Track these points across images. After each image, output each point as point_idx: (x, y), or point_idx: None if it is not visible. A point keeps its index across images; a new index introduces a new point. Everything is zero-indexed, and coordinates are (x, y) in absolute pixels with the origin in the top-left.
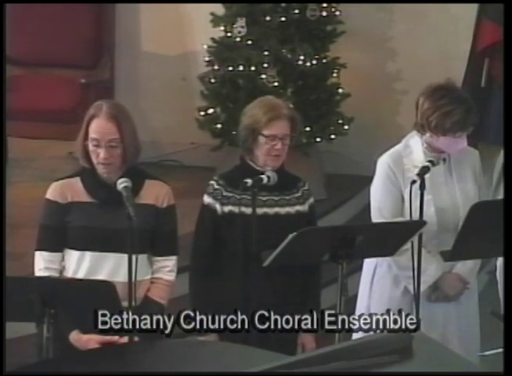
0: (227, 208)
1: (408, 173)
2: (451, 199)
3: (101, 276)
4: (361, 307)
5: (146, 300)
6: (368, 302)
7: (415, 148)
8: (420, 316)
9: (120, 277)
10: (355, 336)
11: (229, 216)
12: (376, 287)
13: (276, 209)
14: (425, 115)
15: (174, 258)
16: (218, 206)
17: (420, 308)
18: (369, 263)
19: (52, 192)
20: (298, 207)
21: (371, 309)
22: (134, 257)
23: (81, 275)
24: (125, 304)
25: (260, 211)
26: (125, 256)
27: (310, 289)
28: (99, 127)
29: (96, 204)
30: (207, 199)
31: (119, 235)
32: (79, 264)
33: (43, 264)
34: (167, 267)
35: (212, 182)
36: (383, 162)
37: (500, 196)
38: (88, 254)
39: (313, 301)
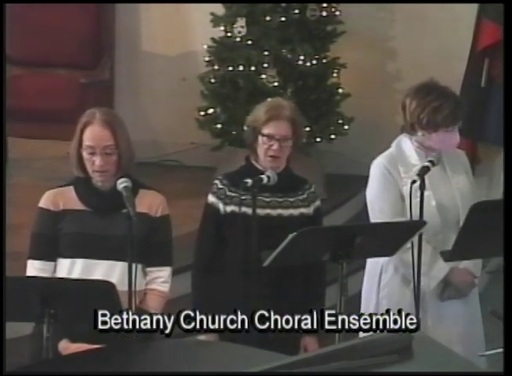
0: (229, 208)
1: (403, 173)
2: (449, 194)
3: None
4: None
5: (139, 311)
6: (376, 310)
7: (407, 149)
8: (429, 316)
9: None
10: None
11: (232, 216)
12: (384, 293)
13: (279, 211)
14: (415, 114)
15: (168, 268)
16: (221, 205)
17: (429, 308)
18: (371, 271)
19: (45, 200)
20: (302, 210)
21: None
22: (131, 258)
23: None
24: None
25: (263, 212)
26: (117, 264)
27: (314, 289)
28: (93, 134)
29: (89, 212)
30: (210, 198)
31: (111, 242)
32: (70, 272)
33: (34, 272)
34: (160, 278)
35: (216, 181)
36: (378, 163)
37: None
38: (80, 262)
39: (317, 301)
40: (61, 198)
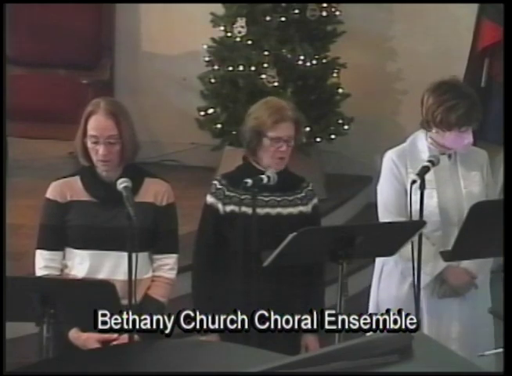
0: (229, 208)
1: (410, 168)
2: (455, 194)
3: (101, 275)
4: (372, 306)
5: (146, 298)
6: (376, 301)
7: (420, 144)
8: (426, 313)
9: (121, 275)
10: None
11: (231, 216)
12: (383, 285)
13: (278, 210)
14: (430, 110)
15: (174, 256)
16: (220, 206)
17: (425, 304)
18: (378, 262)
19: (52, 191)
20: (301, 208)
21: (380, 308)
22: (134, 256)
23: (81, 273)
24: (125, 302)
25: (262, 211)
26: (125, 254)
27: (314, 289)
28: (97, 123)
29: (95, 203)
30: (209, 198)
31: (118, 233)
32: (80, 262)
33: (43, 263)
34: (167, 265)
35: (215, 181)
36: (387, 157)
37: None
38: (88, 253)
39: (317, 301)
40: (68, 189)
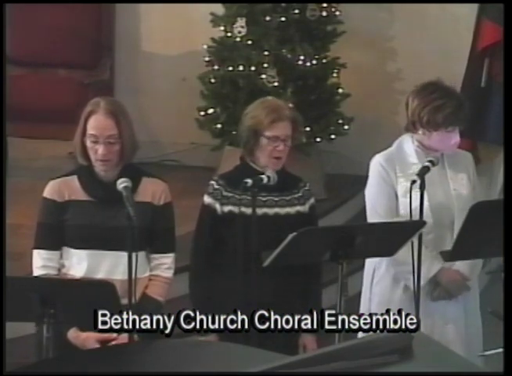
0: (227, 208)
1: (399, 172)
2: (445, 196)
3: (99, 274)
4: (364, 311)
5: (143, 297)
6: (369, 306)
7: (407, 148)
8: (420, 315)
9: (119, 275)
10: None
11: (229, 216)
12: (376, 290)
13: (276, 209)
14: (416, 111)
15: (171, 255)
16: (217, 206)
17: (420, 307)
18: (368, 267)
19: (50, 190)
20: (299, 208)
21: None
22: (133, 256)
23: (79, 273)
24: (123, 301)
25: (260, 211)
26: (123, 254)
27: (311, 288)
28: (97, 123)
29: (93, 203)
30: (207, 199)
31: (116, 233)
32: (78, 262)
33: (41, 262)
34: (164, 264)
35: (212, 182)
36: (375, 162)
37: None
38: (86, 253)
39: (314, 300)
40: (65, 188)
